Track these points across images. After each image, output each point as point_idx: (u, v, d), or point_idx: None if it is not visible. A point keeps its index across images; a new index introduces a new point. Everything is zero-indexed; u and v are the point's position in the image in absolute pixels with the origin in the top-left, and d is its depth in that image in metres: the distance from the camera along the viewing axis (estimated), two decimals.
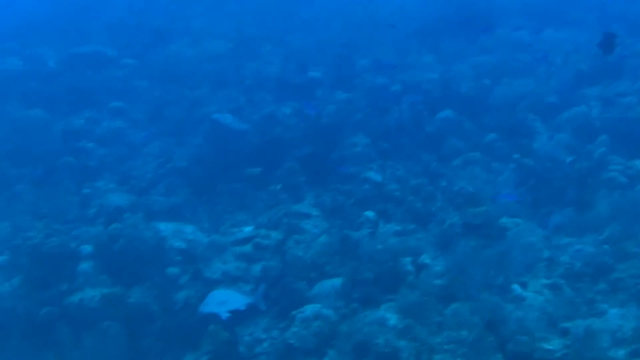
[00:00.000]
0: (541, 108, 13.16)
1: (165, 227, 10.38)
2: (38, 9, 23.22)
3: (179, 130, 13.81)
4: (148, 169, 12.54)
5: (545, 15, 18.71)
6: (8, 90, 15.60)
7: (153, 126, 14.13)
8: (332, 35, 17.97)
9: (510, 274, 8.33)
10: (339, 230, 9.92)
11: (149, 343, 8.44)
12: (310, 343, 7.90)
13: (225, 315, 7.63)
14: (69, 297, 8.92)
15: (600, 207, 10.02)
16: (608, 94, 13.04)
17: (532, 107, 13.13)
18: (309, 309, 8.29)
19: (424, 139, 12.96)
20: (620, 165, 10.79)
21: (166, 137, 13.49)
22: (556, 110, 12.98)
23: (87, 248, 9.81)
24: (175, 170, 12.22)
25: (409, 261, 8.97)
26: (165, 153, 12.76)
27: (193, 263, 9.59)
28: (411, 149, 12.77)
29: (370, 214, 10.53)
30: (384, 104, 13.54)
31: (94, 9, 21.77)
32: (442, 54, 16.83)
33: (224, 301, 7.90)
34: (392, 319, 7.88)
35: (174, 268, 9.45)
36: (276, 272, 9.05)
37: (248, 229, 10.39)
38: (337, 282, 8.94)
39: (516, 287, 8.09)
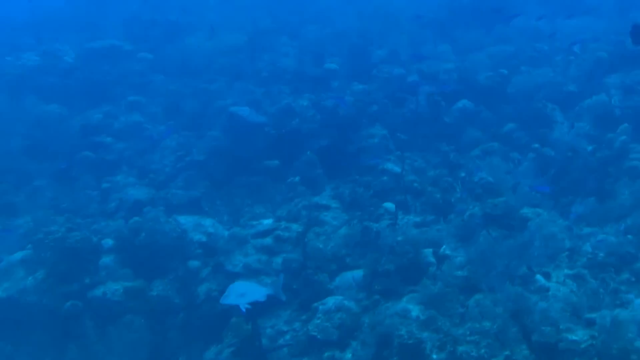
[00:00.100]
0: (560, 97, 13.06)
1: (185, 221, 10.44)
2: (53, 4, 23.35)
3: (197, 124, 13.84)
4: (166, 163, 12.60)
5: (561, 3, 18.51)
6: (26, 85, 15.73)
7: (170, 120, 14.17)
8: (347, 26, 17.89)
9: (533, 265, 8.26)
10: (358, 222, 9.90)
11: (172, 336, 8.50)
12: (332, 335, 7.91)
13: (245, 307, 7.64)
14: (92, 290, 9.00)
15: (622, 197, 9.95)
16: (628, 81, 12.87)
17: (551, 97, 13.04)
18: (331, 301, 8.29)
19: (441, 130, 12.89)
20: None
21: (184, 130, 13.51)
22: (576, 99, 12.88)
23: (108, 242, 9.89)
24: (193, 163, 12.26)
25: (430, 252, 8.95)
26: (183, 146, 12.79)
27: (214, 256, 9.63)
28: (429, 139, 12.72)
29: (389, 205, 10.50)
30: (401, 95, 13.47)
31: (108, 3, 21.84)
32: (458, 43, 16.72)
33: (244, 293, 7.90)
34: (415, 310, 7.85)
35: (195, 261, 9.51)
36: (297, 264, 9.03)
37: (268, 222, 10.39)
38: (358, 273, 8.94)
39: (539, 278, 8.03)
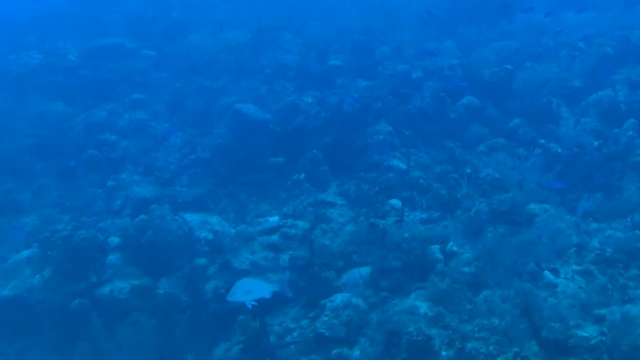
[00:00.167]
0: (566, 92, 12.99)
1: (190, 218, 10.44)
2: (55, 3, 23.33)
3: (201, 121, 13.84)
4: (171, 160, 12.58)
5: None
6: (30, 84, 15.75)
7: (175, 117, 14.16)
8: (350, 22, 17.87)
9: (541, 261, 8.24)
10: (365, 218, 9.88)
11: (179, 333, 8.49)
12: (340, 332, 7.90)
13: (251, 303, 7.65)
14: (99, 289, 9.00)
15: (629, 192, 9.91)
16: (634, 76, 12.80)
17: (556, 92, 12.96)
18: (339, 298, 8.28)
19: (446, 126, 12.85)
20: None
21: (188, 128, 13.49)
22: (581, 94, 12.81)
23: (114, 240, 9.90)
24: (198, 161, 12.25)
25: (437, 249, 8.94)
26: (188, 144, 12.77)
27: (220, 254, 9.62)
28: (434, 136, 12.69)
29: (395, 202, 10.49)
30: (405, 91, 13.43)
31: (110, 1, 21.82)
32: (462, 39, 16.65)
33: (250, 290, 7.91)
34: (423, 307, 7.85)
35: (201, 259, 9.49)
36: (304, 261, 9.01)
37: (274, 219, 10.38)
38: (365, 270, 8.93)
39: (547, 274, 8.02)
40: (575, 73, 13.66)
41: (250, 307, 7.59)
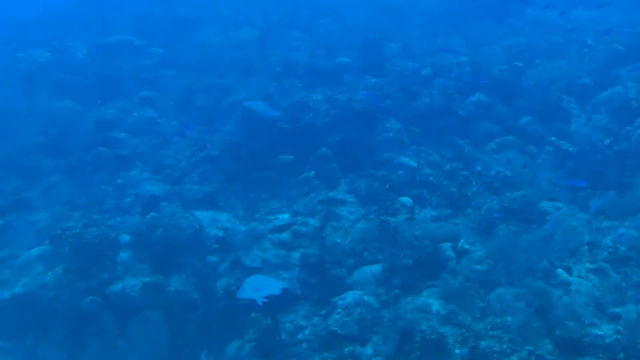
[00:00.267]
0: (576, 90, 12.95)
1: (200, 216, 10.43)
2: (62, 1, 23.37)
3: (209, 119, 13.85)
4: (181, 158, 12.58)
5: None
6: (38, 81, 15.77)
7: (183, 115, 14.16)
8: (358, 20, 17.84)
9: (554, 259, 8.21)
10: (376, 216, 9.86)
11: (191, 330, 8.49)
12: (353, 330, 7.89)
13: (261, 300, 7.65)
14: (111, 286, 8.99)
15: None
16: None
17: (566, 89, 12.91)
18: (350, 296, 8.26)
19: (456, 123, 12.80)
20: None
21: (197, 125, 13.48)
22: (591, 91, 12.76)
23: (125, 237, 9.90)
24: (208, 158, 12.24)
25: (449, 247, 8.91)
26: (197, 141, 12.75)
27: (231, 251, 9.62)
28: (443, 133, 12.64)
29: (405, 199, 10.46)
30: (414, 89, 13.39)
31: None
32: (470, 36, 16.60)
33: (260, 287, 7.91)
34: (435, 305, 7.82)
35: (212, 256, 9.49)
36: (315, 259, 8.99)
37: (284, 217, 10.38)
38: (376, 268, 8.91)
39: (561, 272, 7.98)
40: (585, 70, 13.62)
41: (260, 303, 7.59)
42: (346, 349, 7.76)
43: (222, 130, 12.86)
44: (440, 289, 8.15)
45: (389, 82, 13.63)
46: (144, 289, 8.85)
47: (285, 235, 9.82)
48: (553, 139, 11.26)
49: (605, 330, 6.85)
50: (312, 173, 11.34)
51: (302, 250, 9.36)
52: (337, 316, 8.05)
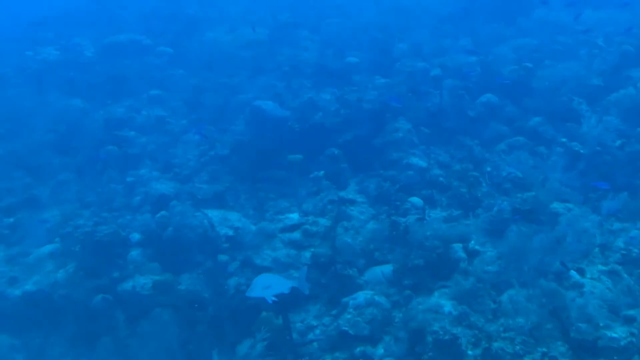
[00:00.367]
0: (586, 91, 12.89)
1: (210, 215, 10.39)
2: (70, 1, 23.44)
3: (218, 118, 13.85)
4: (190, 157, 12.58)
5: None
6: (48, 80, 15.83)
7: (192, 114, 14.18)
8: (366, 19, 17.85)
9: (566, 261, 8.17)
10: (387, 216, 9.84)
11: (202, 329, 8.48)
12: (364, 330, 7.86)
13: (271, 299, 7.65)
14: (122, 284, 9.00)
15: None
16: None
17: (576, 90, 12.87)
18: (361, 296, 8.24)
19: (465, 124, 12.77)
20: None
21: (206, 124, 13.48)
22: (602, 92, 12.70)
23: (135, 236, 9.90)
24: (217, 157, 12.24)
25: (460, 247, 8.88)
26: (206, 140, 12.74)
27: (242, 250, 9.60)
28: (453, 133, 12.61)
29: (416, 199, 10.44)
30: (424, 89, 13.38)
31: None
32: (479, 37, 16.58)
33: (269, 285, 7.90)
34: (447, 305, 7.80)
35: (222, 255, 9.47)
36: (326, 258, 8.97)
37: (295, 216, 10.37)
38: (387, 268, 8.89)
39: (574, 274, 7.95)
40: (595, 71, 13.55)
41: (270, 301, 7.59)
42: (357, 349, 7.73)
43: (231, 129, 12.86)
44: (452, 290, 8.13)
45: (398, 82, 13.61)
46: (154, 287, 8.85)
47: (296, 235, 9.82)
48: (564, 140, 11.22)
49: (619, 332, 6.83)
50: (322, 173, 11.32)
51: (312, 249, 9.34)
52: (349, 316, 8.03)
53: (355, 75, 14.50)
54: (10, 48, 18.77)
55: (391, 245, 9.30)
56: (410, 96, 13.06)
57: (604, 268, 8.20)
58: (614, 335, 6.77)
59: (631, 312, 7.06)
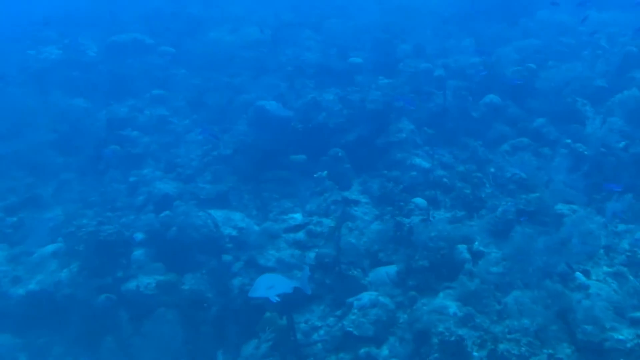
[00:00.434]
0: (590, 92, 12.88)
1: (214, 215, 10.36)
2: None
3: (221, 118, 13.82)
4: (193, 157, 12.55)
5: None
6: (50, 79, 15.78)
7: (195, 114, 14.15)
8: (369, 20, 17.82)
9: (571, 262, 8.15)
10: (391, 217, 9.82)
11: (205, 329, 8.46)
12: (368, 331, 7.85)
13: (274, 298, 7.65)
14: (125, 284, 8.97)
15: None
16: None
17: (580, 91, 12.86)
18: (366, 297, 8.23)
19: (469, 125, 12.76)
20: None
21: (209, 124, 13.47)
22: (606, 94, 12.68)
23: (138, 236, 9.87)
24: (220, 157, 12.20)
25: (465, 248, 8.86)
26: (209, 141, 12.71)
27: (245, 250, 9.58)
28: (456, 134, 12.59)
29: (419, 200, 10.43)
30: (427, 89, 13.37)
31: None
32: (482, 38, 16.55)
33: (272, 285, 7.91)
34: (452, 307, 7.78)
35: (226, 255, 9.45)
36: (330, 259, 8.95)
37: (297, 216, 10.35)
38: (391, 269, 8.87)
39: (579, 275, 7.93)
40: (598, 72, 13.55)
41: (274, 301, 7.58)
42: (362, 350, 7.72)
43: (234, 129, 12.84)
44: (457, 291, 8.12)
45: (402, 83, 13.59)
46: (158, 287, 8.83)
47: (300, 235, 9.81)
48: (568, 141, 11.19)
49: (625, 334, 6.81)
50: (325, 173, 11.29)
51: (316, 250, 9.32)
52: (353, 317, 8.03)
53: (358, 76, 14.48)
54: (13, 47, 18.70)
55: (395, 246, 9.30)
56: (413, 97, 13.03)
57: (609, 270, 8.19)
58: (621, 337, 6.75)
59: (637, 314, 7.05)
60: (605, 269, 8.23)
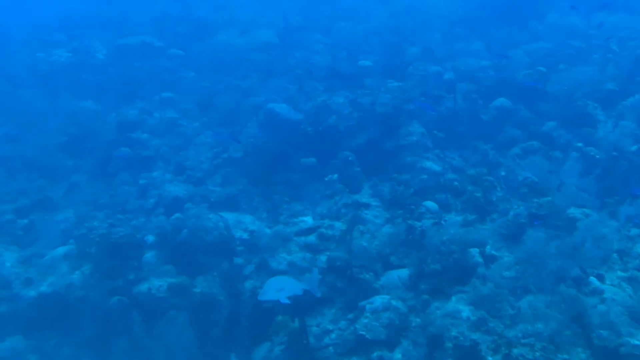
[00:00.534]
0: (600, 95, 12.81)
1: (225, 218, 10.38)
2: (80, 1, 23.46)
3: (230, 120, 13.84)
4: (203, 160, 12.56)
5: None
6: (60, 82, 15.82)
7: (204, 116, 14.17)
8: (378, 23, 17.81)
9: (585, 267, 8.11)
10: (402, 220, 9.79)
11: (217, 332, 8.47)
12: (381, 334, 7.82)
13: (285, 301, 7.64)
14: (137, 286, 8.97)
15: None
16: None
17: (591, 95, 12.80)
18: (378, 300, 8.20)
19: (479, 128, 12.74)
20: None
21: (218, 127, 13.49)
22: (617, 97, 12.63)
23: (149, 238, 9.88)
24: (230, 160, 12.21)
25: (477, 252, 8.83)
26: (219, 143, 12.72)
27: (257, 253, 9.59)
28: (466, 138, 12.56)
29: (430, 204, 10.39)
30: (437, 93, 13.34)
31: (135, 0, 21.92)
32: (492, 40, 16.50)
33: (282, 288, 7.90)
34: (465, 311, 7.75)
35: (238, 258, 9.45)
36: (341, 262, 8.93)
37: (308, 219, 10.34)
38: (403, 273, 8.85)
39: (593, 280, 7.88)
40: (609, 76, 13.48)
41: (284, 302, 7.57)
42: (374, 354, 7.70)
43: (244, 131, 12.84)
44: (470, 295, 8.09)
45: (411, 86, 13.55)
46: (169, 289, 8.83)
47: (311, 238, 9.79)
48: (580, 144, 11.13)
49: None
50: (335, 176, 11.27)
51: (328, 253, 9.30)
52: (365, 320, 7.99)
53: (368, 79, 14.43)
54: (22, 50, 18.77)
55: (407, 250, 9.28)
56: (423, 100, 13.02)
57: (623, 274, 8.15)
58: (637, 342, 6.71)
59: None
60: (619, 273, 8.19)
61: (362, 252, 9.10)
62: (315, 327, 8.40)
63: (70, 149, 13.21)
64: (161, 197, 11.25)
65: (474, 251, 8.83)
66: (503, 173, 11.32)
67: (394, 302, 8.18)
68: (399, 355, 7.64)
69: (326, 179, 11.29)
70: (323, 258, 9.28)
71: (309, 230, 9.97)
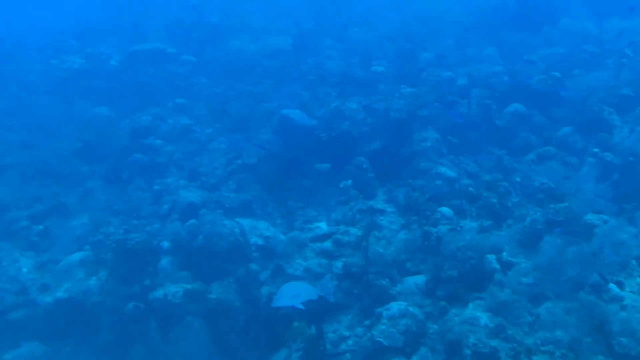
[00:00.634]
0: (616, 101, 12.73)
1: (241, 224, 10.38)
2: (92, 8, 23.65)
3: (244, 126, 13.86)
4: (217, 166, 12.58)
5: (607, 3, 18.11)
6: (73, 88, 15.92)
7: (217, 122, 14.20)
8: (390, 29, 17.82)
9: (604, 273, 8.03)
10: (418, 226, 9.75)
11: (234, 339, 8.44)
12: (398, 341, 7.77)
13: (300, 306, 7.64)
14: (153, 292, 8.97)
15: None
16: None
17: (606, 100, 12.72)
18: (395, 307, 8.15)
19: (493, 133, 12.68)
20: None
21: (232, 133, 13.52)
22: (632, 102, 12.55)
23: (165, 244, 9.89)
24: (244, 166, 12.22)
25: (494, 258, 8.77)
26: (233, 149, 12.74)
27: (273, 259, 9.57)
28: (481, 143, 12.51)
29: (445, 210, 10.35)
30: (451, 98, 13.32)
31: (147, 7, 22.07)
32: (505, 46, 16.47)
33: (297, 294, 7.91)
34: (483, 317, 7.69)
35: (253, 264, 9.44)
36: (357, 268, 8.89)
37: (323, 225, 10.32)
38: (420, 279, 8.80)
39: (613, 287, 7.81)
40: (624, 81, 13.40)
41: (299, 308, 7.57)
42: None
43: (258, 137, 12.86)
44: (487, 302, 8.04)
45: (425, 92, 13.53)
46: (185, 295, 8.82)
47: (327, 244, 9.76)
48: (596, 150, 11.06)
49: None
50: (350, 182, 11.25)
51: (344, 259, 9.27)
52: (382, 327, 7.94)
53: (381, 84, 14.44)
54: (35, 56, 18.92)
55: (423, 256, 9.23)
56: (437, 106, 12.99)
57: None
58: None
59: None
60: (638, 280, 8.10)
61: (378, 258, 9.07)
62: (331, 333, 8.36)
63: (85, 155, 13.26)
64: (175, 203, 11.28)
65: (491, 257, 8.77)
66: (518, 179, 11.25)
67: (411, 309, 8.13)
68: None
69: (341, 185, 11.25)
70: (339, 264, 9.25)
71: (325, 236, 9.95)
